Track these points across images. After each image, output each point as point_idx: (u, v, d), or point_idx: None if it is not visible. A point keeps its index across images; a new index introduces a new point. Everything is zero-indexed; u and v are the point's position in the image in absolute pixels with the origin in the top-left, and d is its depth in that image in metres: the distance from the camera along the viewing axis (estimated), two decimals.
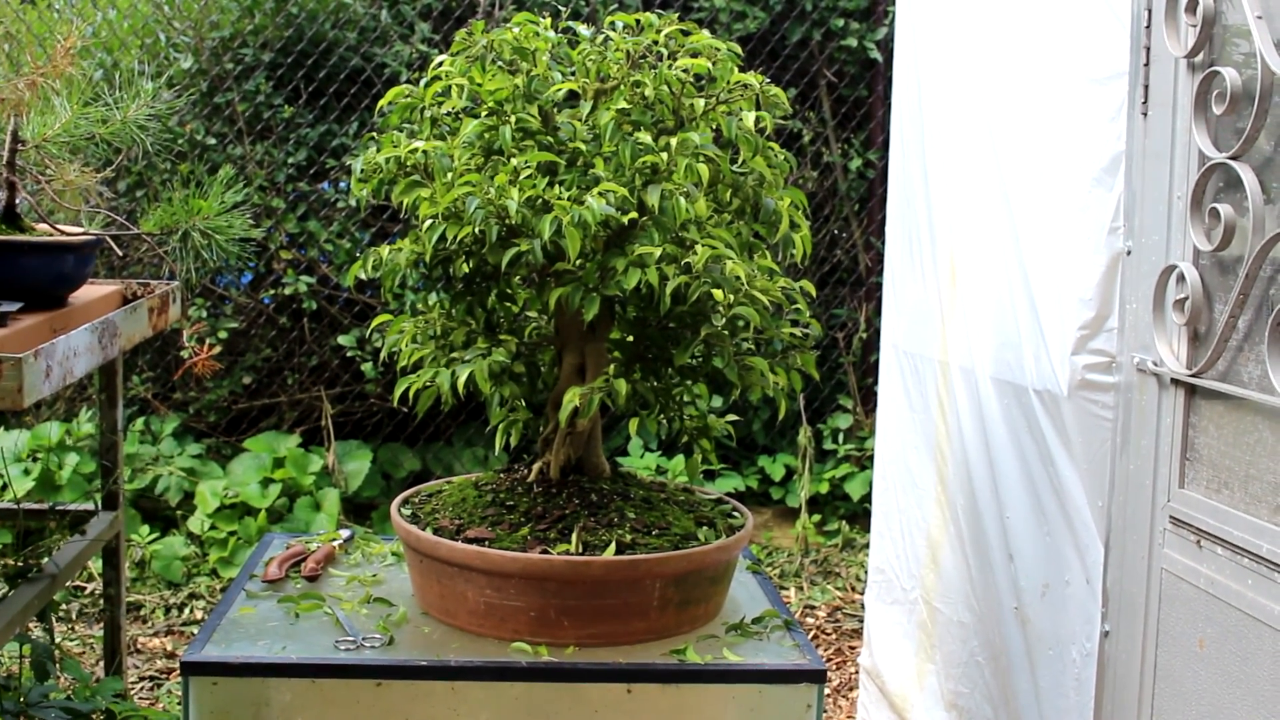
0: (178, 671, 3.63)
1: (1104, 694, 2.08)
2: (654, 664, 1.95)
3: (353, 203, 4.72)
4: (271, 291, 4.80)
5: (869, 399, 4.95)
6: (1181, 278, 1.87)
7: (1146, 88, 1.98)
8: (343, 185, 4.78)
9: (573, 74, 2.13)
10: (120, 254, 3.03)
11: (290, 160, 4.74)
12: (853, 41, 5.01)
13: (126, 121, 2.47)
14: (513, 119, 2.05)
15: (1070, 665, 2.18)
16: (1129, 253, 2.03)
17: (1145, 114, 1.98)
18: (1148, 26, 1.97)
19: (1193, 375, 1.85)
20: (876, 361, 3.20)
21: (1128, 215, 2.03)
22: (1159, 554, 1.92)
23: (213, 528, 4.42)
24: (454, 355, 2.13)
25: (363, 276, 2.15)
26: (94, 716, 2.54)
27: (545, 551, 1.98)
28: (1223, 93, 1.76)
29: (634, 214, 1.94)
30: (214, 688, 1.95)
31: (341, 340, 4.76)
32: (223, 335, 4.64)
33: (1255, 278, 1.72)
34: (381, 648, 1.99)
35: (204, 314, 4.67)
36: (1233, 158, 1.76)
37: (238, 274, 4.83)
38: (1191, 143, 1.86)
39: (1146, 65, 1.98)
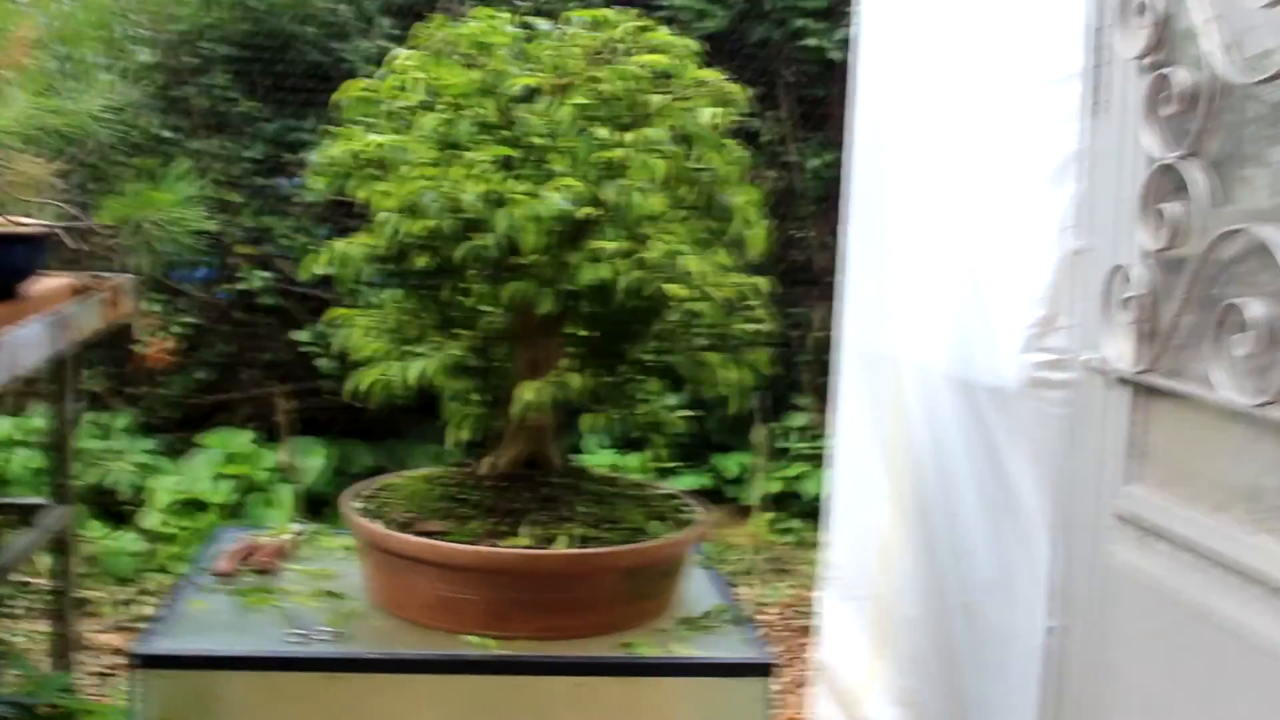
0: (127, 667, 3.61)
1: (1050, 688, 2.11)
2: (605, 657, 1.96)
3: (311, 198, 4.70)
4: (228, 287, 4.77)
5: (825, 398, 4.97)
6: (1129, 277, 1.89)
7: (1100, 88, 2.00)
8: (297, 180, 4.77)
9: (531, 69, 2.13)
10: (73, 247, 3.00)
11: (248, 155, 4.71)
12: (813, 41, 5.03)
13: (82, 113, 2.45)
14: (471, 113, 2.05)
15: (1017, 661, 2.20)
16: (1080, 252, 2.05)
17: (1098, 114, 2.01)
18: (1102, 27, 2.00)
19: (1140, 373, 1.87)
20: (833, 361, 3.22)
21: (1080, 215, 2.06)
22: (1105, 550, 1.94)
23: (165, 524, 4.39)
24: (409, 349, 2.13)
25: (319, 271, 2.15)
26: (40, 711, 2.51)
27: (497, 545, 1.98)
28: (1171, 94, 1.79)
29: (591, 209, 1.95)
30: (164, 680, 1.94)
31: (298, 336, 4.74)
32: (178, 330, 4.61)
33: (1201, 277, 1.74)
34: (333, 641, 1.99)
35: (160, 309, 4.64)
36: (1181, 158, 1.78)
37: (193, 269, 4.80)
38: (1141, 143, 1.88)
39: (1100, 66, 2.01)
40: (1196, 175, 1.74)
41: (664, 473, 4.89)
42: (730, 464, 5.05)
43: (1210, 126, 1.74)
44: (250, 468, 4.53)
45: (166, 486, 4.43)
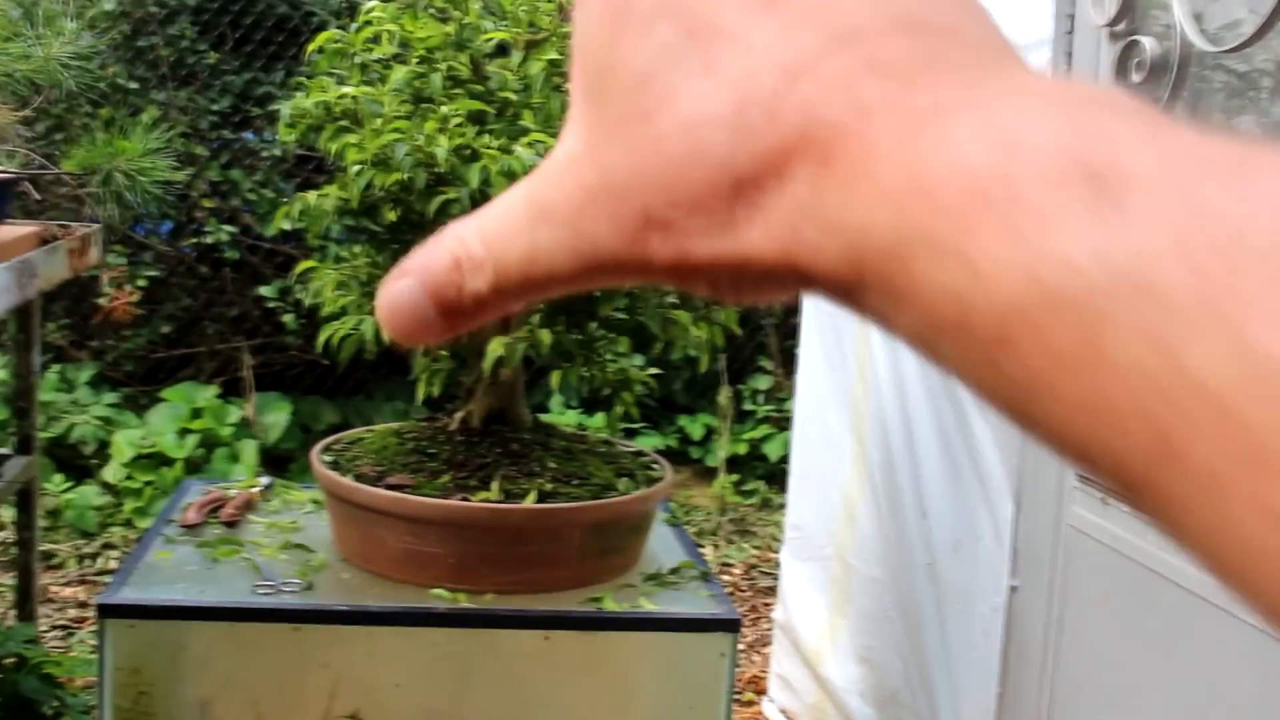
0: (90, 620, 3.60)
1: (1011, 646, 2.14)
2: (572, 611, 1.97)
3: (277, 152, 4.67)
4: (193, 240, 4.74)
5: (789, 361, 4.99)
6: None
7: (1069, 55, 2.02)
8: (267, 135, 4.73)
9: (504, 24, 2.12)
10: (38, 198, 2.98)
11: (214, 107, 4.68)
12: None
13: (49, 59, 2.43)
14: (443, 67, 2.05)
15: (979, 619, 2.24)
16: None
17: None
18: None
19: None
20: (798, 323, 3.23)
21: None
22: (1067, 511, 1.97)
23: (129, 478, 4.38)
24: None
25: (287, 226, 2.14)
26: (5, 662, 2.51)
27: (466, 499, 1.99)
28: (1142, 61, 1.80)
29: None
30: (130, 630, 1.94)
31: (263, 291, 4.72)
32: (141, 283, 4.58)
33: None
34: (300, 592, 2.00)
35: (125, 262, 4.61)
36: None
37: (157, 222, 4.77)
38: None
39: (1069, 33, 2.02)
40: None
41: (629, 434, 4.91)
42: (694, 426, 5.07)
43: (1179, 95, 1.76)
44: (214, 422, 4.52)
45: (130, 440, 4.41)
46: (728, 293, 0.30)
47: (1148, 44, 1.79)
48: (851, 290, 0.27)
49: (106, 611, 1.94)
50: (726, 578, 4.20)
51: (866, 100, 0.27)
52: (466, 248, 0.32)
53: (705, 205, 0.28)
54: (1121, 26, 1.89)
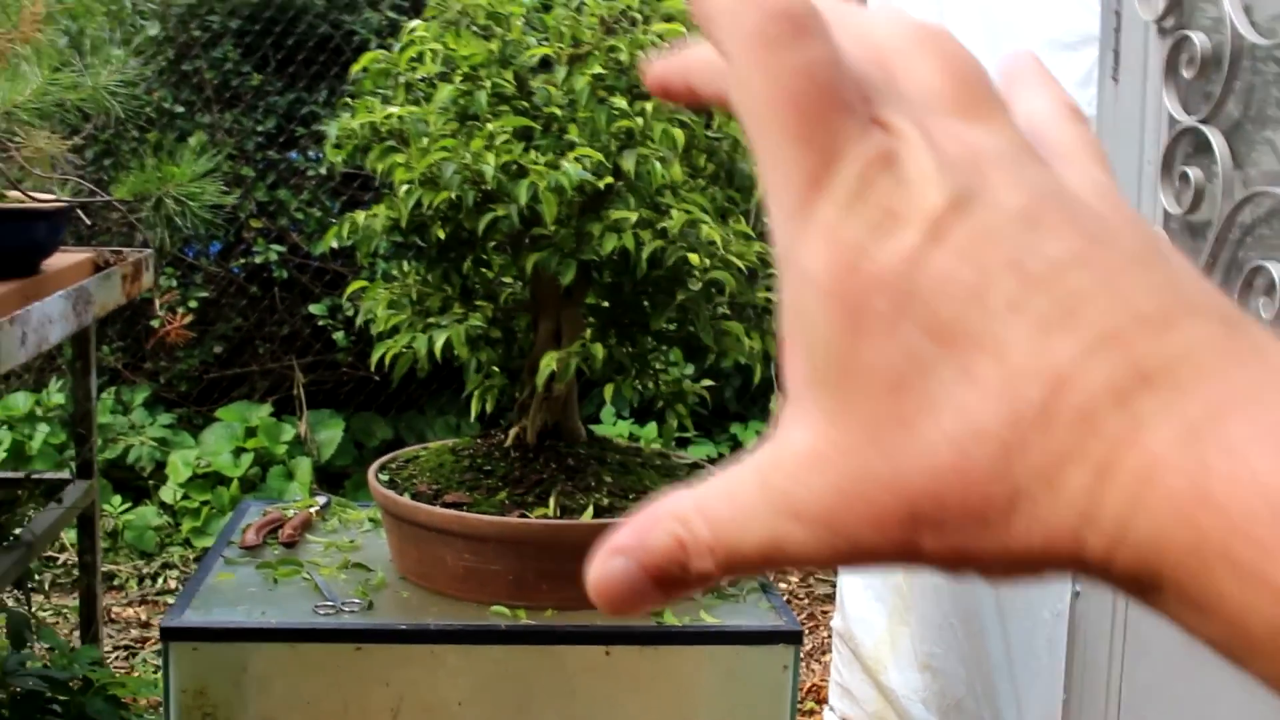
0: (152, 640, 3.63)
1: (1075, 653, 2.12)
2: (632, 626, 1.97)
3: (323, 171, 4.70)
4: (242, 260, 4.78)
5: None
6: None
7: (1117, 53, 2.00)
8: (312, 154, 4.76)
9: (547, 39, 2.13)
10: (89, 223, 3.01)
11: (259, 128, 4.71)
12: None
13: (98, 88, 2.46)
14: (488, 84, 2.05)
15: (1042, 625, 2.21)
16: None
17: (1116, 79, 2.00)
18: None
19: None
20: None
21: None
22: None
23: (185, 497, 4.42)
24: (430, 321, 2.14)
25: (336, 244, 2.15)
26: (72, 684, 2.54)
27: (524, 515, 1.99)
28: (1192, 57, 1.78)
29: (609, 179, 1.95)
30: (194, 653, 1.96)
31: (313, 309, 4.75)
32: (193, 304, 4.63)
33: (1225, 240, 1.74)
34: (361, 612, 2.00)
35: (174, 284, 4.65)
36: (1203, 122, 1.78)
37: (207, 243, 4.81)
38: (1162, 107, 1.88)
39: (1117, 30, 2.00)
40: (1219, 138, 1.74)
41: (681, 443, 4.91)
42: (747, 433, 5.06)
43: (1231, 89, 1.74)
44: (268, 441, 4.55)
45: (186, 460, 4.45)
46: (999, 575, 0.30)
47: (1198, 39, 1.77)
48: (1145, 592, 0.28)
49: (170, 634, 1.96)
50: (783, 585, 4.18)
51: (1138, 410, 0.28)
52: (691, 530, 0.32)
53: (978, 512, 0.29)
54: (1170, 21, 1.87)
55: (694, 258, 1.95)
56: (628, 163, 1.95)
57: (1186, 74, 1.81)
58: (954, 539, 0.29)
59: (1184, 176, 1.80)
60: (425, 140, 2.02)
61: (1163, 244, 0.31)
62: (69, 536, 4.04)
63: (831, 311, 0.30)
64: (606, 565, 0.33)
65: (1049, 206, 0.30)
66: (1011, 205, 0.30)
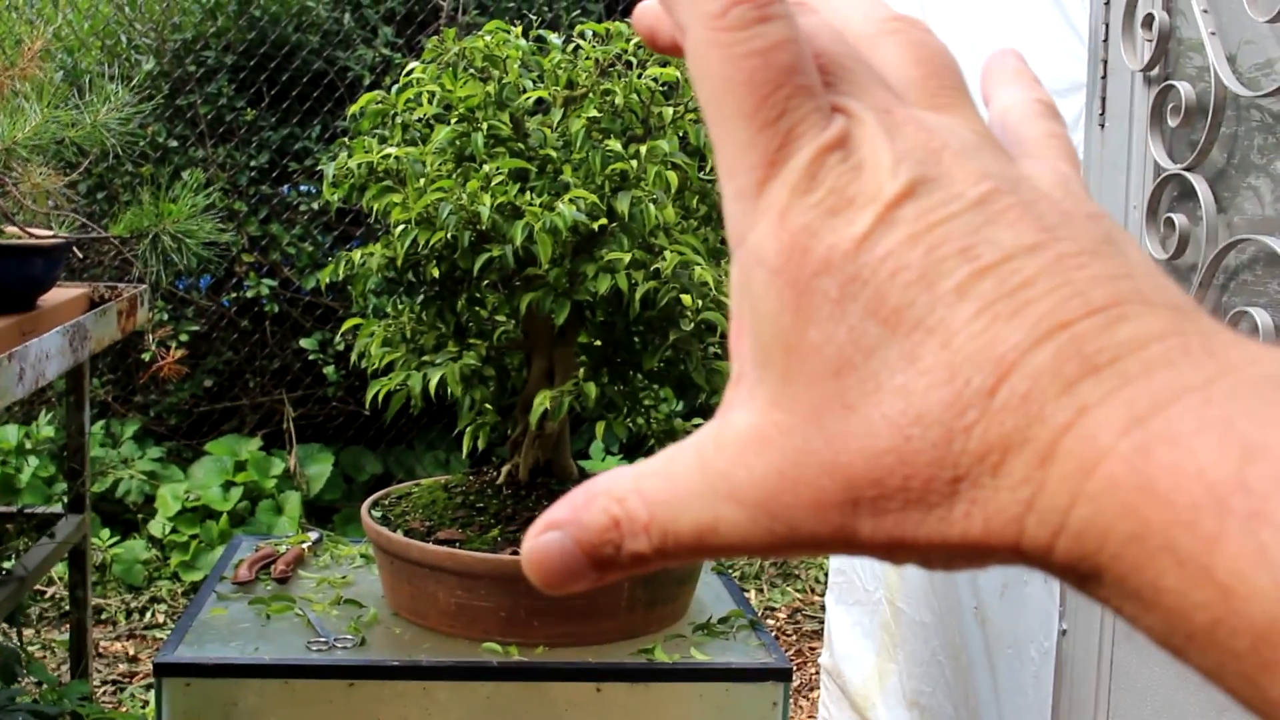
0: (140, 675, 3.63)
1: (1061, 691, 2.13)
2: (623, 663, 1.98)
3: (315, 206, 4.73)
4: (233, 294, 4.80)
5: None
6: None
7: (1104, 100, 2.03)
8: (303, 189, 4.79)
9: (543, 82, 2.16)
10: (81, 256, 3.02)
11: (253, 163, 4.74)
12: None
13: (96, 124, 2.48)
14: (484, 126, 2.08)
15: (1029, 663, 2.23)
16: None
17: (1103, 125, 2.04)
18: (1105, 40, 2.03)
19: None
20: None
21: None
22: None
23: (174, 531, 4.41)
24: (425, 359, 2.16)
25: (331, 281, 2.17)
26: (62, 719, 2.54)
27: (515, 553, 2.00)
28: (1177, 105, 1.82)
29: (604, 220, 1.98)
30: (186, 689, 1.97)
31: (303, 343, 4.76)
32: (184, 338, 4.64)
33: (1209, 285, 1.77)
34: (353, 648, 2.02)
35: (165, 317, 4.66)
36: (1187, 169, 1.81)
37: (198, 277, 4.82)
38: (1147, 154, 1.91)
39: (1104, 78, 2.04)
40: (1203, 185, 1.77)
41: None
42: None
43: (1215, 137, 1.77)
44: (258, 475, 4.55)
45: (175, 494, 4.45)
46: (939, 565, 0.30)
47: (1183, 88, 1.81)
48: (1084, 581, 0.28)
49: (163, 670, 1.97)
50: (771, 622, 4.19)
51: (1082, 396, 0.27)
52: (625, 508, 0.32)
53: (918, 497, 0.29)
54: (1156, 71, 1.91)
55: (686, 299, 1.97)
56: (621, 204, 1.97)
57: (1172, 122, 1.84)
58: (893, 525, 0.29)
59: (1169, 222, 1.83)
60: (422, 180, 2.05)
61: (1119, 236, 0.31)
62: (59, 571, 4.03)
63: (779, 292, 0.30)
64: (541, 539, 0.32)
65: (1006, 197, 0.30)
66: (967, 194, 0.30)
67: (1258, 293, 1.69)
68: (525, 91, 2.09)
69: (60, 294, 2.58)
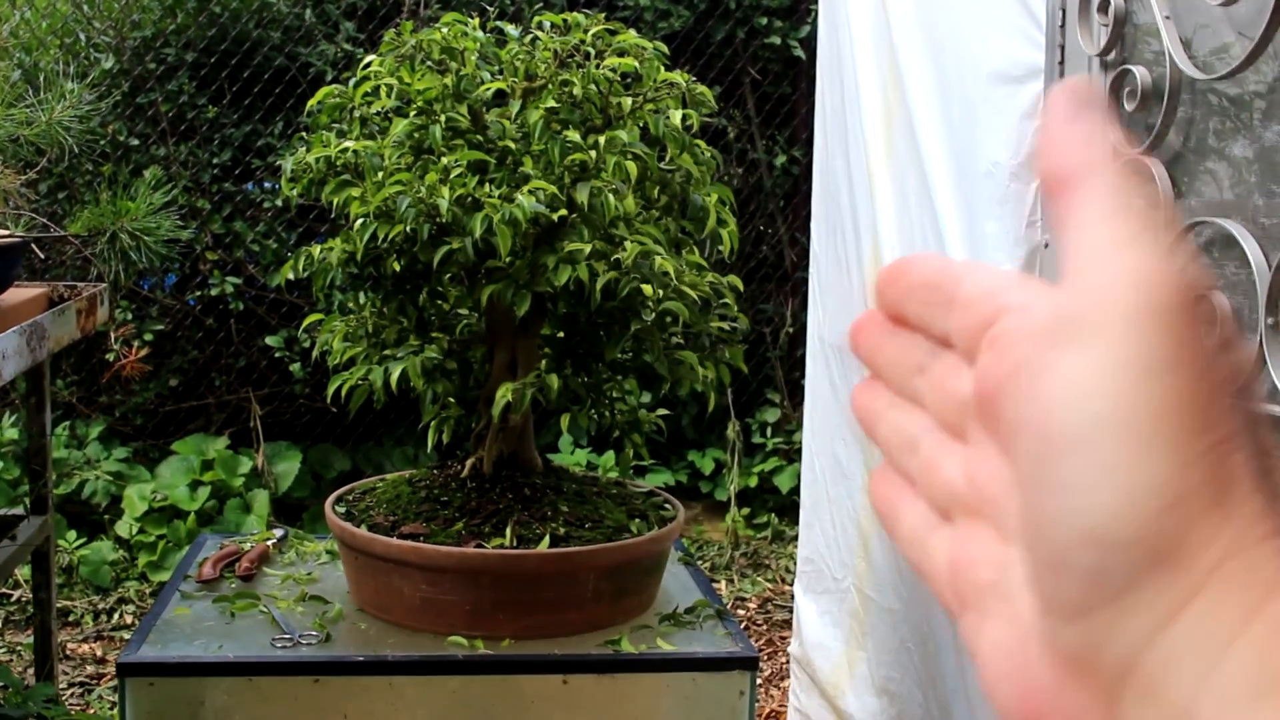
0: (108, 677, 3.61)
1: None
2: (589, 655, 1.98)
3: (279, 203, 4.70)
4: (198, 293, 4.77)
5: (796, 393, 5.00)
6: None
7: None
8: (268, 185, 4.76)
9: (501, 73, 2.15)
10: (43, 256, 3.00)
11: (215, 161, 4.71)
12: (776, 39, 5.06)
13: (52, 123, 2.46)
14: (442, 118, 2.07)
15: None
16: (1047, 245, 2.09)
17: None
18: (1062, 25, 2.03)
19: None
20: (803, 355, 3.24)
21: (1045, 209, 2.09)
22: None
23: (141, 531, 4.39)
24: (386, 353, 2.15)
25: (292, 277, 2.16)
26: None
27: (480, 546, 2.00)
28: (1134, 90, 1.82)
29: (564, 211, 1.97)
30: (150, 688, 1.95)
31: (269, 341, 4.74)
32: (149, 338, 4.61)
33: None
34: (318, 644, 2.01)
35: (129, 316, 4.63)
36: (1144, 153, 1.82)
37: (162, 276, 4.79)
38: (1106, 139, 1.92)
39: (1061, 63, 2.04)
40: (1159, 169, 1.78)
41: (639, 471, 4.92)
42: (704, 460, 5.08)
43: (1171, 121, 1.78)
44: (225, 473, 4.53)
45: (142, 494, 4.42)
46: None
47: (1139, 73, 1.81)
48: None
49: (126, 670, 1.95)
50: (741, 612, 4.19)
51: None
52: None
53: None
54: (1113, 55, 1.91)
55: (647, 289, 1.97)
56: (581, 195, 1.97)
57: (1128, 106, 1.85)
58: None
59: None
60: (380, 174, 2.04)
61: None
62: (23, 573, 4.00)
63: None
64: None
65: None
66: None
67: (1217, 276, 1.69)
68: (483, 83, 2.09)
69: (18, 294, 2.56)
